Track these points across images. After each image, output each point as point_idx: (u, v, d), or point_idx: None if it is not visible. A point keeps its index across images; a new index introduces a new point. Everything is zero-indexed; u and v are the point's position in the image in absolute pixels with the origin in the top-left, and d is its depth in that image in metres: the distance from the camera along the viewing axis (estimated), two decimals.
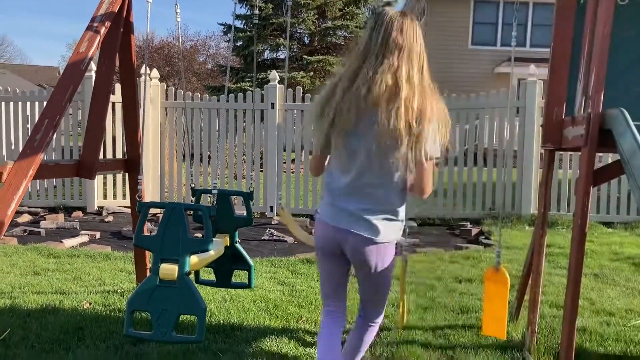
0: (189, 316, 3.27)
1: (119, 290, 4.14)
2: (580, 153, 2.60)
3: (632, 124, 2.26)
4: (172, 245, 2.63)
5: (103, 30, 3.27)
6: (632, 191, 2.25)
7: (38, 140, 2.78)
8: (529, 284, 3.31)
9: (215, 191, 3.09)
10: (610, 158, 6.77)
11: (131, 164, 3.87)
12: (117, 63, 3.69)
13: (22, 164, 2.72)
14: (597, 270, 4.94)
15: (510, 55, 7.33)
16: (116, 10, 3.39)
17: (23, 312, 3.60)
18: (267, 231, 6.51)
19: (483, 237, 6.52)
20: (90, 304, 3.83)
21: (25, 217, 7.18)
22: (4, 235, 5.93)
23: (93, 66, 6.40)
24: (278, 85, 7.71)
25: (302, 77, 14.76)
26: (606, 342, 3.30)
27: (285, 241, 6.26)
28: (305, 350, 3.12)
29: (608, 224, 7.11)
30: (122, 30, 3.52)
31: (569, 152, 7.48)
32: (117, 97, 7.35)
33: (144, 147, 3.65)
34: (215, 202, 3.04)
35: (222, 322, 3.52)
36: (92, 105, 3.58)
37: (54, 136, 6.60)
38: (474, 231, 6.82)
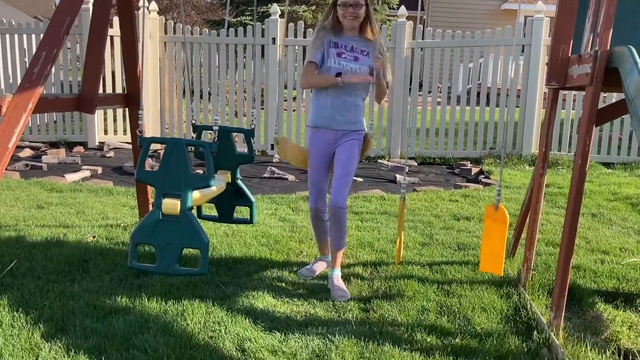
0: (192, 250, 3.34)
1: (122, 225, 4.20)
2: (584, 92, 2.57)
3: (639, 62, 2.23)
4: (175, 181, 2.66)
5: None
6: (634, 130, 2.25)
7: (36, 74, 2.75)
8: (527, 221, 3.36)
9: (216, 127, 3.08)
10: (615, 98, 6.71)
11: (131, 99, 3.84)
12: None
13: (21, 97, 2.70)
14: (594, 210, 5.00)
15: None
16: None
17: (28, 245, 3.67)
18: (268, 169, 6.54)
19: (483, 176, 6.55)
20: (94, 237, 3.89)
21: (27, 152, 7.19)
22: (7, 169, 5.96)
23: None
24: (279, 19, 7.54)
25: (303, 11, 14.39)
26: (599, 278, 3.37)
27: (286, 179, 6.29)
28: (305, 282, 3.20)
29: (608, 165, 7.13)
30: None
31: (573, 92, 7.40)
32: (115, 30, 7.20)
33: (143, 83, 3.61)
34: (216, 139, 3.04)
35: (224, 256, 3.60)
36: (90, 38, 3.52)
37: (53, 70, 6.54)
38: (474, 170, 6.84)
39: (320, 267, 3.36)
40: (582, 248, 3.94)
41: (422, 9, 21.09)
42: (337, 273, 3.18)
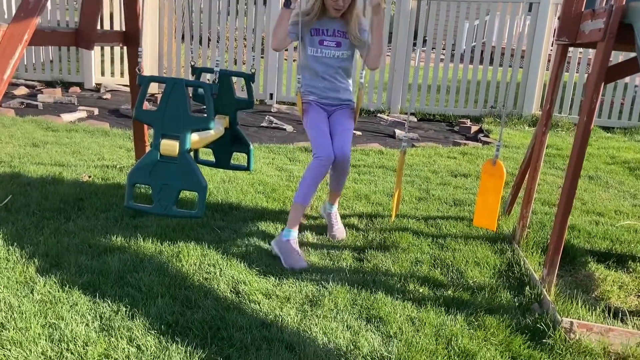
0: (188, 193, 3.33)
1: (117, 166, 4.17)
2: (590, 55, 2.51)
3: None
4: (173, 121, 2.61)
5: None
6: None
7: (32, 3, 2.65)
8: (525, 179, 3.34)
9: (217, 69, 3.01)
10: (621, 57, 6.62)
11: (130, 37, 3.74)
12: None
13: (16, 27, 2.61)
14: (592, 172, 4.99)
15: None
16: None
17: (23, 181, 3.64)
18: (266, 118, 6.47)
19: (482, 134, 6.51)
20: (89, 177, 3.87)
21: (22, 90, 7.07)
22: (2, 106, 5.87)
23: None
24: None
25: None
26: (593, 239, 3.39)
27: (284, 129, 6.24)
28: (300, 231, 3.20)
29: (608, 129, 7.09)
30: None
31: (578, 54, 7.29)
32: None
33: (141, 25, 3.50)
34: (217, 80, 2.98)
35: (220, 201, 3.59)
36: None
37: (49, 6, 6.35)
38: (474, 128, 6.80)
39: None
40: (577, 209, 3.95)
41: None
42: (336, 209, 3.26)
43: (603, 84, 2.50)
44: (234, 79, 3.68)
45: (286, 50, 7.80)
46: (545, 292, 2.54)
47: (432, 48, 7.43)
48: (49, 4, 2.63)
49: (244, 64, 7.95)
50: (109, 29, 7.75)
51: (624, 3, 2.36)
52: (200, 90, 3.12)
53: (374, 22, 3.02)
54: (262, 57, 7.73)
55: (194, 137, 2.74)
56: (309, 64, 3.11)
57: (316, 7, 3.01)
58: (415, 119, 7.32)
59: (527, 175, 3.30)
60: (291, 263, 2.74)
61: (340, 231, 3.20)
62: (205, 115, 2.68)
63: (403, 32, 7.25)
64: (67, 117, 5.76)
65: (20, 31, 2.59)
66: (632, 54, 2.85)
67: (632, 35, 2.27)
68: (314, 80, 3.13)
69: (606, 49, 2.37)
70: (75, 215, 3.18)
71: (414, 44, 7.34)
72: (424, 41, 7.43)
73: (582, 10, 2.74)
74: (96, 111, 6.27)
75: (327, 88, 3.12)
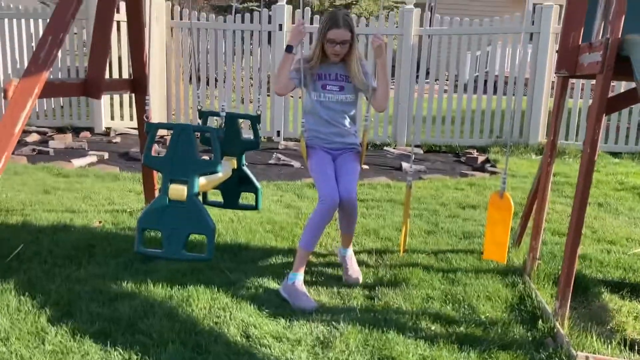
0: (197, 236, 3.35)
1: (128, 210, 4.21)
2: (594, 81, 2.55)
3: None
4: (181, 166, 2.66)
5: None
6: None
7: (42, 58, 2.74)
8: (534, 210, 3.34)
9: (223, 113, 3.07)
10: (623, 88, 6.65)
11: (138, 84, 3.83)
12: None
13: (27, 82, 2.69)
14: (601, 199, 4.97)
15: None
16: None
17: (35, 229, 3.68)
18: (274, 155, 6.53)
19: (489, 165, 6.52)
20: (100, 222, 3.91)
21: (34, 137, 7.20)
22: (14, 154, 5.98)
23: None
24: (286, 5, 7.49)
25: None
26: (605, 268, 3.36)
27: (292, 165, 6.29)
28: (310, 269, 3.20)
29: (616, 154, 7.08)
30: None
31: (581, 82, 7.34)
32: (122, 15, 7.17)
33: (149, 69, 3.60)
34: (223, 125, 3.03)
35: (229, 242, 3.60)
36: (96, 22, 3.50)
37: (59, 55, 6.53)
38: (480, 159, 6.81)
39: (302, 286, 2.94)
40: (588, 238, 3.92)
41: None
42: (350, 253, 3.20)
43: (604, 114, 2.52)
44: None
45: None
46: (559, 326, 2.52)
47: (436, 79, 7.51)
48: (59, 53, 2.72)
49: (250, 102, 8.06)
50: (117, 73, 7.92)
51: (619, 36, 2.39)
52: (208, 134, 3.17)
53: (377, 64, 3.07)
54: (268, 95, 7.84)
55: (201, 181, 2.78)
56: (313, 109, 3.13)
57: (317, 53, 3.07)
58: (422, 151, 7.35)
59: (534, 207, 3.29)
60: (300, 305, 2.74)
61: (354, 276, 3.11)
62: (213, 159, 2.73)
63: (406, 66, 7.34)
64: (77, 162, 5.84)
65: (31, 85, 2.67)
66: (634, 84, 2.88)
67: (630, 67, 2.30)
68: (319, 125, 3.13)
69: (605, 81, 2.39)
70: (86, 261, 3.20)
71: (417, 76, 7.42)
72: (427, 73, 7.52)
73: (580, 43, 2.78)
74: (106, 155, 6.36)
75: (332, 133, 3.12)
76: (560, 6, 4.59)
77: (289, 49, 3.05)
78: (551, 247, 3.69)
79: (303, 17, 7.28)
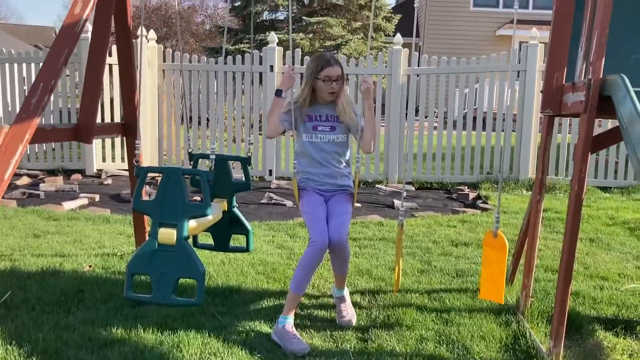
0: (188, 279, 3.32)
1: (118, 253, 4.18)
2: (579, 119, 2.59)
3: (632, 90, 2.25)
4: (171, 210, 2.65)
5: None
6: (629, 158, 2.26)
7: (34, 104, 2.76)
8: (525, 248, 3.34)
9: (213, 156, 3.09)
10: (610, 123, 6.75)
11: (128, 128, 3.85)
12: (113, 24, 3.64)
13: (18, 128, 2.70)
14: (592, 234, 4.99)
15: (513, 18, 7.19)
16: None
17: (23, 275, 3.64)
18: (265, 195, 6.53)
19: (480, 201, 6.55)
20: (90, 266, 3.87)
21: (25, 180, 7.18)
22: (3, 197, 5.95)
23: (89, 26, 6.31)
24: (277, 47, 7.61)
25: (301, 39, 14.56)
26: (599, 305, 3.35)
27: (284, 205, 6.28)
28: (302, 311, 3.17)
29: (605, 189, 7.13)
30: None
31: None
32: (114, 59, 7.26)
33: (141, 110, 3.64)
34: (213, 167, 3.04)
35: (220, 285, 3.57)
36: (88, 67, 3.54)
37: (51, 99, 6.56)
38: (472, 195, 6.84)
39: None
40: (580, 274, 3.92)
41: (418, 36, 21.35)
42: (344, 292, 3.16)
43: (591, 152, 2.55)
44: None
45: None
46: None
47: (425, 117, 7.61)
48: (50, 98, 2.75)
49: (242, 141, 8.11)
50: (109, 115, 7.97)
51: (601, 76, 2.45)
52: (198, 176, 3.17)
53: (365, 106, 3.11)
54: (260, 134, 7.89)
55: (191, 224, 2.77)
56: (305, 151, 3.14)
57: (306, 93, 3.10)
58: (413, 188, 7.38)
59: (526, 244, 3.30)
60: (292, 348, 2.70)
61: (348, 317, 3.06)
62: (203, 201, 2.73)
63: (395, 104, 7.44)
64: (68, 205, 5.82)
65: (21, 132, 2.68)
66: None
67: (613, 106, 2.35)
68: (311, 167, 3.13)
69: (589, 120, 2.44)
70: (75, 307, 3.16)
71: (407, 114, 7.51)
72: (417, 110, 7.61)
73: (564, 82, 2.84)
74: (97, 197, 6.34)
75: (324, 174, 3.12)
76: (545, 44, 4.71)
77: (278, 93, 3.09)
78: (544, 284, 3.68)
79: (293, 59, 7.44)
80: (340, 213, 3.01)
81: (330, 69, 3.04)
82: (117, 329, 2.87)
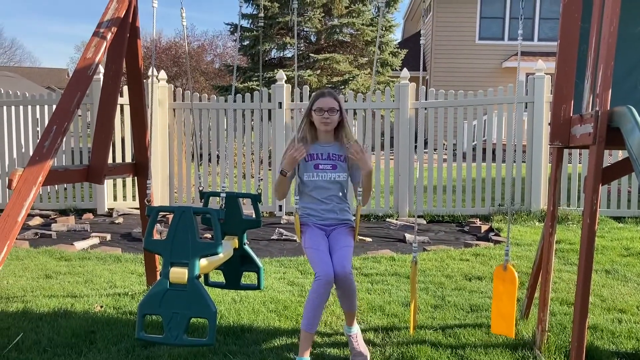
0: (199, 318, 3.30)
1: (129, 293, 4.17)
2: (589, 150, 2.59)
3: None
4: (182, 249, 2.65)
5: (109, 36, 3.29)
6: None
7: (47, 147, 2.80)
8: (539, 281, 3.30)
9: (223, 194, 3.10)
10: (621, 153, 6.73)
11: (140, 168, 3.89)
12: (125, 66, 3.71)
13: (31, 171, 2.74)
14: (608, 266, 4.91)
15: (518, 50, 7.27)
16: (122, 16, 3.41)
17: (35, 316, 3.63)
18: (276, 231, 6.53)
19: (493, 233, 6.50)
20: (101, 307, 3.86)
21: (37, 220, 7.24)
22: (16, 238, 5.99)
23: (101, 69, 6.44)
24: (285, 84, 7.72)
25: (309, 76, 14.74)
26: (618, 339, 3.28)
27: (295, 240, 6.27)
28: (316, 350, 3.13)
29: (619, 219, 7.05)
30: (128, 35, 3.54)
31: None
32: (125, 99, 7.39)
33: (152, 149, 3.68)
34: (223, 205, 3.06)
35: (232, 323, 3.54)
36: (100, 110, 3.60)
37: (64, 140, 6.66)
38: (484, 228, 6.79)
39: None
40: (597, 307, 3.85)
41: (424, 70, 21.58)
42: (355, 330, 3.10)
43: (602, 184, 2.54)
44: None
45: None
46: None
47: (434, 149, 7.62)
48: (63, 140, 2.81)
49: (252, 177, 8.15)
50: (120, 154, 8.06)
51: (608, 107, 2.45)
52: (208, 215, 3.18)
53: (364, 170, 3.06)
54: (269, 170, 7.93)
55: (202, 262, 2.77)
56: (306, 190, 3.16)
57: (304, 130, 3.16)
58: (425, 221, 7.35)
59: (540, 278, 3.26)
60: None
61: (360, 356, 3.02)
62: (214, 240, 2.73)
63: (404, 137, 7.47)
64: (80, 244, 5.84)
65: (34, 174, 2.72)
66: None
67: (621, 137, 2.35)
68: (312, 204, 3.17)
69: (598, 152, 2.43)
70: (87, 349, 3.14)
71: (415, 147, 7.54)
72: (425, 143, 7.64)
73: (571, 115, 2.84)
74: (109, 237, 6.36)
75: (325, 210, 3.14)
76: (551, 75, 4.74)
77: (283, 173, 3.10)
78: (560, 317, 3.61)
79: (302, 94, 7.53)
80: (342, 246, 3.00)
81: (322, 99, 3.12)
82: None
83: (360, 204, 3.17)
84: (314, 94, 3.26)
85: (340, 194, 3.19)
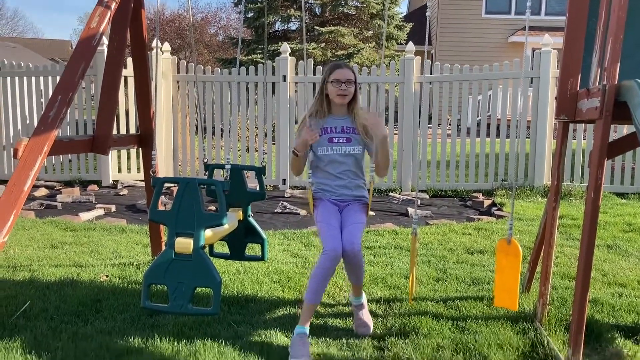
0: (204, 288, 3.34)
1: (135, 263, 4.21)
2: (594, 125, 2.58)
3: None
4: (187, 220, 2.67)
5: (114, 6, 3.27)
6: None
7: (52, 117, 2.80)
8: (541, 255, 3.32)
9: (228, 166, 3.11)
10: (625, 128, 6.70)
11: (144, 139, 3.90)
12: (129, 37, 3.69)
13: (36, 141, 2.75)
14: (610, 241, 4.94)
15: (525, 24, 7.15)
16: None
17: (42, 285, 3.68)
18: (280, 204, 6.55)
19: (495, 208, 6.51)
20: (107, 276, 3.90)
21: (42, 191, 7.28)
22: (22, 208, 6.03)
23: (105, 40, 6.40)
24: (289, 57, 7.66)
25: (313, 49, 14.62)
26: (618, 313, 3.31)
27: (298, 214, 6.30)
28: (318, 321, 3.17)
29: (622, 195, 7.06)
30: (132, 4, 3.51)
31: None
32: (129, 71, 7.35)
33: (157, 121, 3.68)
34: (228, 177, 3.07)
35: (236, 294, 3.58)
36: (104, 81, 3.60)
37: (68, 111, 6.67)
38: (487, 202, 6.81)
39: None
40: (598, 281, 3.88)
41: (430, 44, 21.36)
42: (362, 301, 3.13)
43: (607, 159, 2.54)
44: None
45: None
46: None
47: (438, 124, 7.59)
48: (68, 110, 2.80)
49: (256, 151, 8.15)
50: (124, 126, 8.05)
51: (616, 81, 2.44)
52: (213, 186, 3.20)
53: (378, 137, 3.02)
54: (273, 144, 7.93)
55: (207, 233, 2.79)
56: (320, 164, 3.14)
57: (319, 102, 3.13)
58: (427, 196, 7.36)
59: (542, 252, 3.28)
60: (292, 353, 2.71)
61: (365, 326, 3.05)
62: (218, 211, 2.75)
63: (408, 112, 7.44)
64: (85, 215, 5.88)
65: (40, 144, 2.73)
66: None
67: (628, 112, 2.34)
68: (327, 179, 3.14)
69: (604, 126, 2.42)
70: (93, 317, 3.19)
71: (419, 122, 7.51)
72: (430, 118, 7.61)
73: (578, 89, 2.83)
74: (113, 208, 6.40)
75: (340, 186, 3.12)
76: (558, 50, 4.69)
77: (295, 153, 3.09)
78: (561, 291, 3.64)
79: (306, 68, 7.47)
80: (353, 222, 2.99)
81: (339, 70, 3.07)
82: (134, 338, 2.89)
83: (373, 180, 3.17)
84: (328, 65, 3.19)
85: (355, 169, 3.16)
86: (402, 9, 23.98)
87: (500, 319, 3.18)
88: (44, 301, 3.39)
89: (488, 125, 7.53)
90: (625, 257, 4.49)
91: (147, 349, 2.78)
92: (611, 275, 4.03)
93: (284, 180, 7.80)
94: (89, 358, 2.67)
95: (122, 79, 6.47)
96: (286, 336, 2.95)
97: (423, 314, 3.27)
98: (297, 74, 7.72)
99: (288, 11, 15.64)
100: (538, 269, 3.48)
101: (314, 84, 7.62)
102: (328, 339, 2.95)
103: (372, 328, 3.07)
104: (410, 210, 6.33)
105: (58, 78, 3.04)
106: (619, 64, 2.46)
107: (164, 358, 2.68)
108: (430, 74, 7.54)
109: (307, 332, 2.85)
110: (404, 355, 2.77)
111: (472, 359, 2.73)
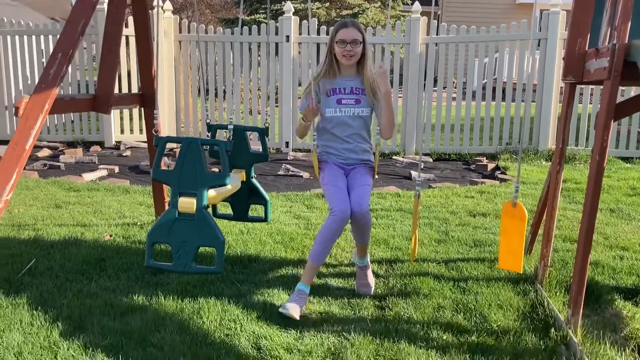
0: (207, 248, 3.36)
1: (138, 223, 4.23)
2: (602, 87, 2.54)
3: None
4: (190, 180, 2.67)
5: None
6: None
7: (52, 74, 2.77)
8: (544, 218, 3.32)
9: (231, 127, 3.09)
10: (633, 91, 6.62)
11: (146, 99, 3.86)
12: None
13: (37, 98, 2.73)
14: (613, 205, 4.93)
15: None
16: None
17: (47, 244, 3.71)
18: (282, 166, 6.55)
19: (499, 172, 6.50)
20: (110, 235, 3.93)
21: (45, 152, 7.28)
22: (25, 168, 6.04)
23: None
24: (293, 17, 7.53)
25: (317, 8, 14.36)
26: (618, 275, 3.33)
27: (301, 176, 6.30)
28: (320, 281, 3.20)
29: (627, 159, 7.03)
30: None
31: (590, 87, 7.30)
32: (130, 30, 7.25)
33: (158, 81, 3.64)
34: (231, 137, 3.05)
35: (239, 253, 3.61)
36: (105, 38, 3.54)
37: (69, 70, 6.59)
38: (490, 166, 6.79)
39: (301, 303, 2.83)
40: (600, 244, 3.89)
41: (437, 5, 20.97)
42: (366, 262, 3.12)
43: (613, 120, 2.51)
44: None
45: (299, 97, 7.95)
46: (572, 334, 2.49)
47: (444, 87, 7.51)
48: (69, 69, 2.76)
49: (259, 113, 8.10)
50: (126, 87, 7.99)
51: (626, 41, 2.39)
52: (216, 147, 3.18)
53: (381, 94, 3.00)
54: (276, 106, 7.88)
55: (211, 193, 2.79)
56: (327, 126, 3.09)
57: (326, 63, 3.06)
58: (431, 159, 7.34)
59: (545, 214, 3.28)
60: (284, 305, 2.73)
61: (367, 286, 3.07)
62: (221, 171, 2.74)
63: (413, 74, 7.35)
64: (88, 176, 5.89)
65: (41, 102, 2.70)
66: None
67: (637, 73, 2.29)
68: (333, 142, 3.11)
69: (612, 87, 2.38)
70: (97, 275, 3.22)
71: (425, 84, 7.43)
72: (435, 81, 7.52)
73: (586, 49, 2.77)
74: (116, 169, 6.40)
75: (346, 149, 3.09)
76: (567, 11, 4.60)
77: (304, 119, 3.05)
78: (563, 254, 3.66)
79: (310, 28, 7.36)
80: (361, 184, 2.97)
81: (344, 30, 2.99)
82: (138, 296, 2.92)
83: (379, 143, 3.14)
84: (335, 24, 3.11)
85: (363, 132, 3.12)
86: None
87: (501, 280, 3.21)
88: (48, 259, 3.42)
89: (494, 89, 7.44)
90: (628, 221, 4.50)
91: (151, 306, 2.82)
92: (613, 238, 4.04)
93: (287, 143, 7.77)
94: (95, 315, 2.71)
95: (124, 38, 6.40)
96: (288, 294, 2.98)
97: (424, 274, 3.30)
98: (300, 34, 7.60)
99: None
100: (540, 231, 3.49)
101: (318, 45, 7.51)
102: (330, 298, 2.98)
103: (373, 288, 3.10)
104: (414, 173, 6.32)
105: (58, 37, 2.98)
106: (629, 24, 2.40)
107: (168, 315, 2.71)
108: (437, 35, 7.42)
109: (308, 291, 2.87)
110: (405, 314, 2.80)
111: (472, 319, 2.76)
